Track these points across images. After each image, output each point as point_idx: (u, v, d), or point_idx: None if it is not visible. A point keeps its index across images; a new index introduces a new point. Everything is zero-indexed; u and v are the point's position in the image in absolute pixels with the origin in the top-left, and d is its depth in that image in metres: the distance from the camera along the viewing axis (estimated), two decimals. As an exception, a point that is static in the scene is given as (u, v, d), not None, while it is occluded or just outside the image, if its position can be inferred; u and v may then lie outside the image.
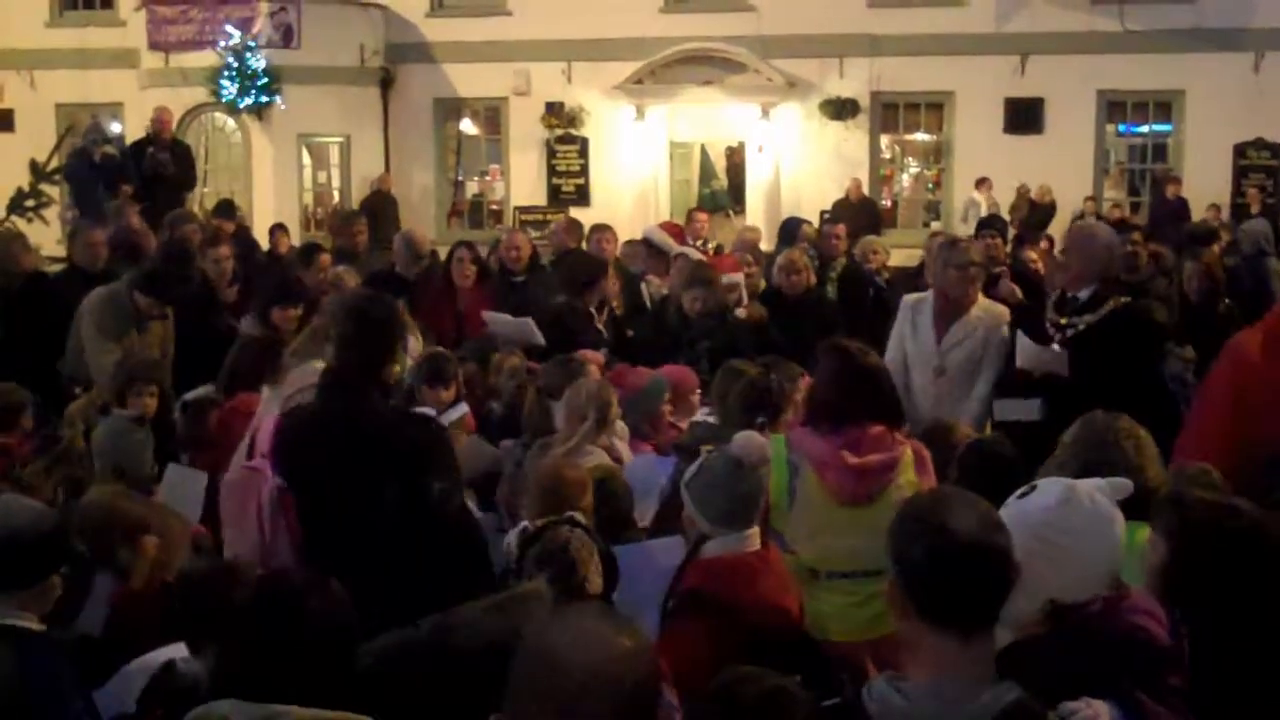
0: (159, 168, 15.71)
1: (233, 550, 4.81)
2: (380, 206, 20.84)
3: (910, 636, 2.71)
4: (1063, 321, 6.77)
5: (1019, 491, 3.36)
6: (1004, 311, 7.19)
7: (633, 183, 23.18)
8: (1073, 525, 3.24)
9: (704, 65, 22.59)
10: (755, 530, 4.27)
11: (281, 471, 4.72)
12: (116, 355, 7.90)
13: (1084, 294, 6.76)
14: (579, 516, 4.35)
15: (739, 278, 9.91)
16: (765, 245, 16.92)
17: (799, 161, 22.96)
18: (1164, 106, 22.70)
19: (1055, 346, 6.64)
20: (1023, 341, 6.72)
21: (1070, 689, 3.08)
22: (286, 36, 22.55)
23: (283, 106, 22.35)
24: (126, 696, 3.89)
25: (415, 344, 8.19)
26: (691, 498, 4.30)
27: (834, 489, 4.81)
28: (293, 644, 2.82)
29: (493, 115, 24.52)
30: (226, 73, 22.10)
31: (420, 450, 4.67)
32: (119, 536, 4.48)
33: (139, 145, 16.36)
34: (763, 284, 10.71)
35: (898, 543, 2.72)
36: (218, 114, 23.20)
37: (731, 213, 23.06)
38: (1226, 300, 9.38)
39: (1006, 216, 19.46)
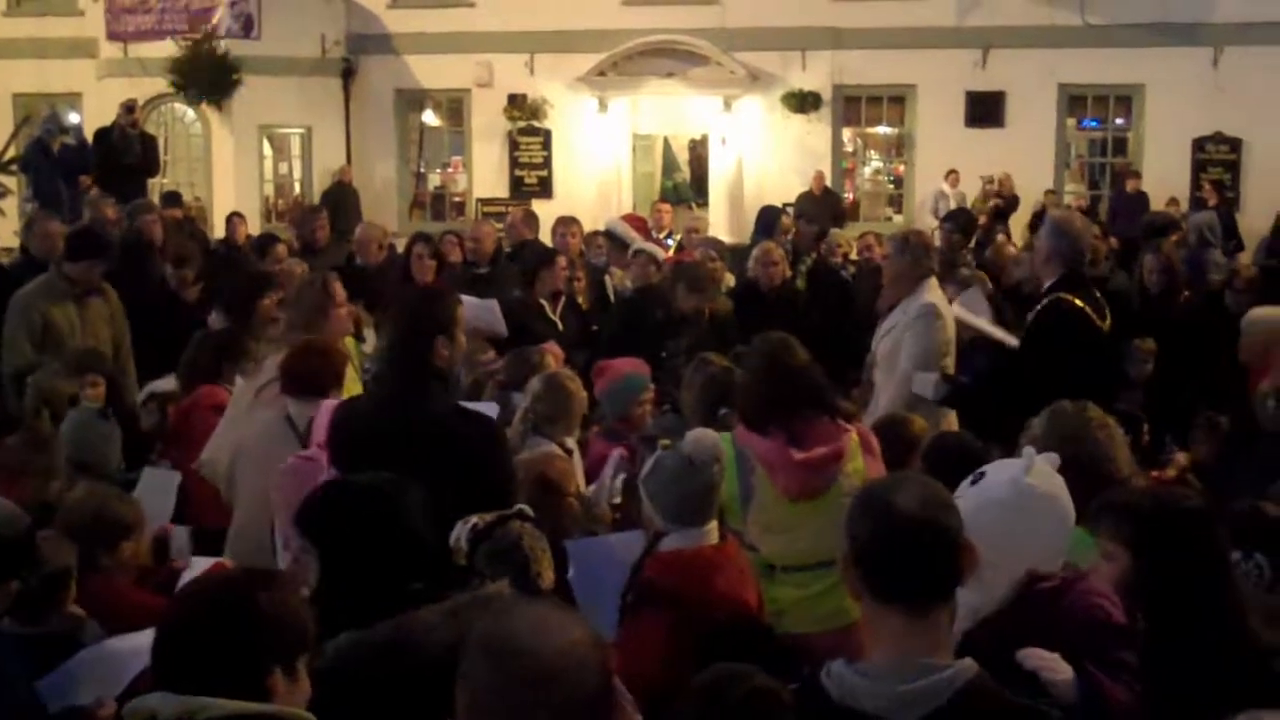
0: (128, 147, 15.60)
1: (285, 539, 4.77)
2: (341, 198, 20.74)
3: (868, 616, 2.75)
4: (1029, 315, 6.87)
5: (969, 479, 3.42)
6: (926, 301, 7.14)
7: (595, 175, 23.13)
8: (1042, 493, 3.34)
9: (667, 58, 22.55)
10: (713, 525, 4.28)
11: (336, 462, 4.68)
12: (26, 350, 7.78)
13: (1046, 285, 6.83)
14: (527, 509, 4.34)
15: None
16: (725, 236, 16.98)
17: (762, 154, 22.97)
18: (1124, 101, 22.81)
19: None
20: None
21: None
22: (246, 27, 22.36)
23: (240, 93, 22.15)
24: (72, 688, 3.88)
25: (371, 337, 8.18)
26: (646, 495, 4.32)
27: (783, 486, 4.83)
28: (231, 639, 2.80)
29: (455, 107, 24.42)
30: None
31: (476, 448, 4.68)
32: (103, 539, 4.47)
33: (103, 133, 16.22)
34: (728, 278, 10.71)
35: (850, 523, 2.77)
36: (177, 104, 23.01)
37: (694, 205, 23.08)
38: (1185, 292, 9.45)
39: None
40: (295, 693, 2.84)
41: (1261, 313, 7.70)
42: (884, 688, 2.61)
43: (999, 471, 3.42)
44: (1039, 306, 6.71)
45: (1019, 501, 3.30)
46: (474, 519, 4.04)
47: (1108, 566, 3.54)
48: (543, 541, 4.06)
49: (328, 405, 5.09)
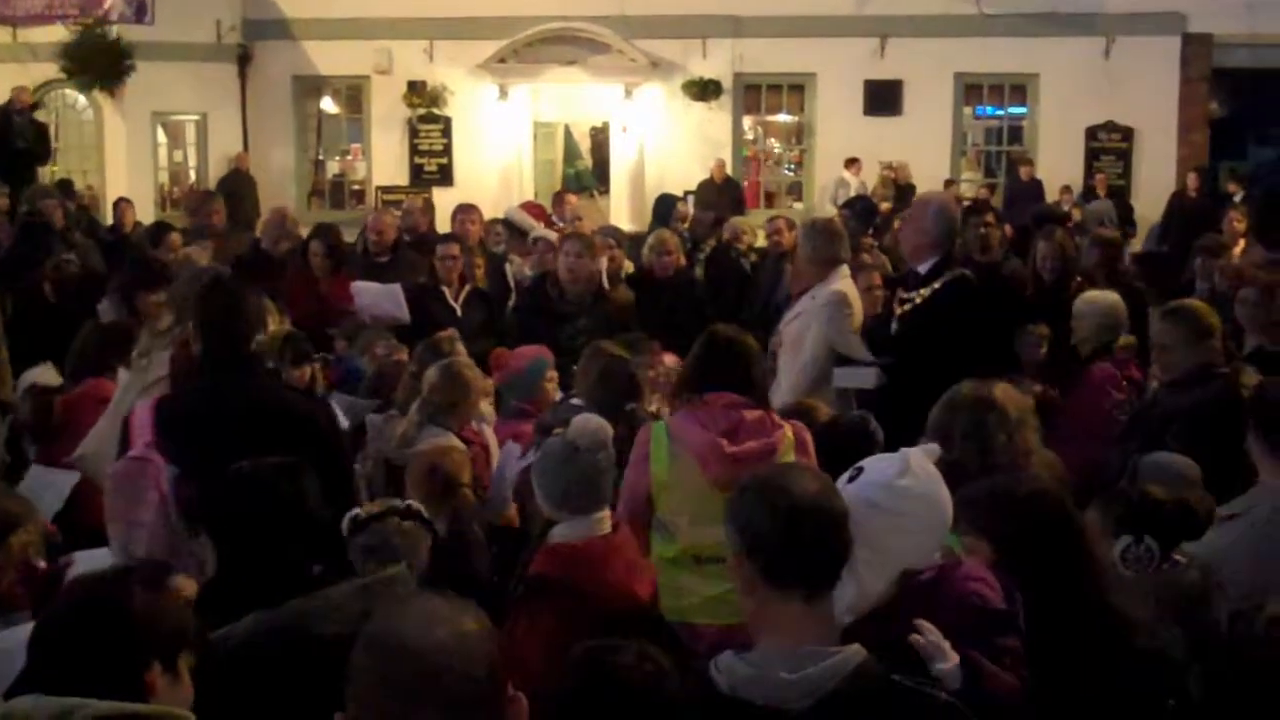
0: (17, 137, 15.30)
1: (122, 545, 4.61)
2: (238, 186, 20.46)
3: (757, 610, 2.76)
4: (903, 297, 6.90)
5: (846, 475, 3.42)
6: (835, 289, 7.19)
7: (496, 163, 22.99)
8: (916, 491, 3.35)
9: (567, 45, 22.47)
10: (604, 514, 4.26)
11: (174, 457, 4.59)
12: None
13: (924, 268, 6.88)
14: (415, 505, 4.30)
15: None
16: (626, 224, 16.96)
17: (663, 142, 22.98)
18: (1019, 90, 23.11)
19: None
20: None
21: (910, 654, 3.17)
22: (140, 11, 21.90)
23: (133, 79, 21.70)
24: None
25: (275, 326, 8.06)
26: (535, 482, 4.31)
27: (713, 478, 4.80)
28: (105, 635, 2.75)
29: (354, 94, 24.13)
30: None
31: (316, 423, 4.63)
32: None
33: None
34: (628, 265, 10.72)
35: (741, 513, 2.79)
36: (68, 90, 22.52)
37: (596, 193, 23.05)
38: (1078, 279, 9.59)
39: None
40: (177, 691, 2.79)
41: (1093, 298, 7.75)
42: (773, 676, 2.62)
43: (874, 471, 3.41)
44: (940, 284, 6.74)
45: (892, 504, 3.29)
46: (356, 509, 4.02)
47: (972, 554, 3.57)
48: (422, 536, 4.04)
49: (142, 405, 4.98)
